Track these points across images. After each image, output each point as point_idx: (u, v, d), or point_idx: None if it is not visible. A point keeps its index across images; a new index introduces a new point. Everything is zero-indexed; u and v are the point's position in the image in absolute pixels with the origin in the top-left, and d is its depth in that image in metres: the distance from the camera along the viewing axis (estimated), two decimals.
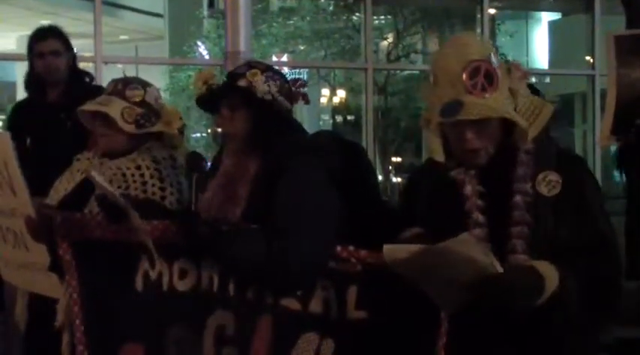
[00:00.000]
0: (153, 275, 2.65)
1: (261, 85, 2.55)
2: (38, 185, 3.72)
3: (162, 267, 2.63)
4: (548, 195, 2.24)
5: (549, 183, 2.25)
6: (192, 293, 2.58)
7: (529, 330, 2.19)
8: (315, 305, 2.42)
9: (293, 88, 2.63)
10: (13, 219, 2.93)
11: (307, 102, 2.66)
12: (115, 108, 2.94)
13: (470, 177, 2.30)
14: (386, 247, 2.17)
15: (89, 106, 3.02)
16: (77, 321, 2.73)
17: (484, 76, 2.22)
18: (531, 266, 2.12)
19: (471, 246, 2.06)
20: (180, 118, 3.04)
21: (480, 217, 2.26)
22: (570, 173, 2.27)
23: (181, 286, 2.60)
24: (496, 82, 2.23)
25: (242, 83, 2.56)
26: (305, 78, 16.40)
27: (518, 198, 2.24)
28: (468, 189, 2.29)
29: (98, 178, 2.65)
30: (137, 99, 2.97)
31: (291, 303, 2.44)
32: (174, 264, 2.62)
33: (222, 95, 2.61)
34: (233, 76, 2.61)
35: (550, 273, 2.10)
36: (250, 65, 2.65)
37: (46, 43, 4.17)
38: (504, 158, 2.28)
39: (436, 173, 2.36)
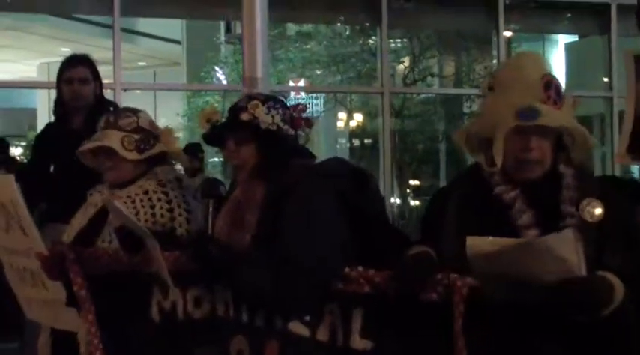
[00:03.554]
0: (166, 305, 2.68)
1: (264, 116, 2.61)
2: (61, 211, 3.76)
3: (176, 296, 2.65)
4: (591, 221, 2.22)
5: (593, 208, 2.22)
6: (210, 320, 2.60)
7: (582, 335, 2.11)
8: (322, 332, 2.42)
9: (294, 114, 2.68)
10: (29, 259, 2.95)
11: (310, 126, 2.71)
12: (114, 140, 2.98)
13: (517, 194, 2.29)
14: (470, 238, 2.11)
15: (88, 145, 3.07)
16: (97, 353, 2.76)
17: (555, 91, 2.25)
18: (602, 275, 2.08)
19: (568, 245, 2.00)
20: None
21: (536, 233, 2.21)
22: (613, 201, 2.26)
23: (197, 314, 2.63)
24: (562, 100, 2.26)
25: (245, 117, 2.62)
26: (322, 102, 16.48)
27: (569, 221, 2.22)
28: (520, 204, 2.27)
29: (119, 206, 2.69)
30: (132, 127, 3.02)
31: (300, 329, 2.45)
32: (187, 293, 2.64)
33: (227, 130, 2.66)
34: (235, 111, 2.67)
35: (617, 285, 2.07)
36: (250, 97, 2.70)
37: (76, 70, 4.29)
38: (548, 179, 2.28)
39: (472, 186, 2.35)
